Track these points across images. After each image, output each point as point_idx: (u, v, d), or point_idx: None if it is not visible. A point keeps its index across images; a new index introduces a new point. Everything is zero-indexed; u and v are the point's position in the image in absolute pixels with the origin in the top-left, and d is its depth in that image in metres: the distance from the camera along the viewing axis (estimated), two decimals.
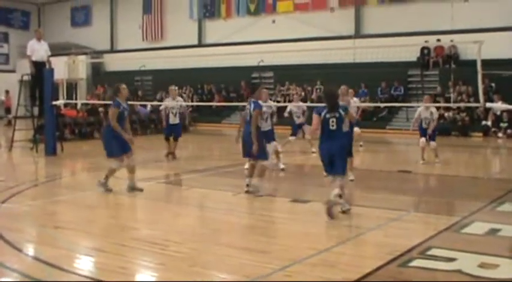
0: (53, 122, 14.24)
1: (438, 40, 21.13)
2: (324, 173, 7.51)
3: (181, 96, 19.51)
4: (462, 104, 19.51)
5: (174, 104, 13.20)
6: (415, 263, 5.10)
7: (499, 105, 15.24)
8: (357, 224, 6.88)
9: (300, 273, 4.89)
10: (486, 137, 19.29)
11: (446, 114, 20.34)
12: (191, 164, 12.59)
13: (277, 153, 11.19)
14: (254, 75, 26.96)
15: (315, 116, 7.26)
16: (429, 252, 5.41)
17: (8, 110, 28.08)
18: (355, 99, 13.33)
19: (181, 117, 13.66)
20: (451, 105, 18.81)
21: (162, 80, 27.78)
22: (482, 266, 5.01)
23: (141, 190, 8.73)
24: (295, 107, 14.03)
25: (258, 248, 5.64)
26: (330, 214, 6.75)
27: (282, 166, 11.19)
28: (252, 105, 8.65)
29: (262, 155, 8.53)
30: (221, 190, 9.27)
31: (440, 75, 22.23)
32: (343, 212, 7.06)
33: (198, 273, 4.97)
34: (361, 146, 14.97)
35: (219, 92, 26.96)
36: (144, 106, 22.96)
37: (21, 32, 33.43)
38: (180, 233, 6.40)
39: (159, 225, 6.91)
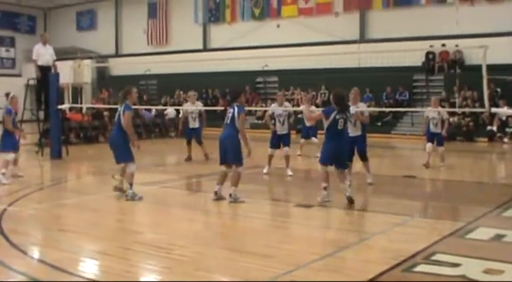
0: (59, 125, 14.29)
1: (443, 45, 21.14)
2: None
3: (186, 101, 19.56)
4: (467, 109, 19.42)
5: (193, 108, 13.72)
6: (419, 268, 5.09)
7: (504, 111, 15.18)
8: (361, 229, 6.89)
9: (304, 278, 4.89)
10: (491, 142, 19.19)
11: (451, 119, 20.23)
12: (196, 168, 12.59)
13: (287, 158, 11.12)
14: (258, 79, 27.00)
15: (319, 113, 7.57)
16: (433, 258, 5.39)
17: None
18: (361, 103, 13.28)
19: (201, 120, 13.87)
20: (456, 110, 18.74)
21: (167, 84, 27.95)
22: (487, 271, 5.00)
23: (123, 192, 8.59)
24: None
25: (263, 253, 5.64)
26: (351, 201, 7.79)
27: (289, 172, 11.04)
28: (236, 109, 8.52)
29: (239, 160, 8.27)
30: (225, 194, 9.25)
31: (446, 80, 22.16)
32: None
33: (202, 277, 4.99)
34: None
35: (224, 97, 26.94)
36: (149, 110, 23.05)
37: (27, 36, 33.57)
38: (185, 237, 6.40)
39: (164, 229, 6.93)
